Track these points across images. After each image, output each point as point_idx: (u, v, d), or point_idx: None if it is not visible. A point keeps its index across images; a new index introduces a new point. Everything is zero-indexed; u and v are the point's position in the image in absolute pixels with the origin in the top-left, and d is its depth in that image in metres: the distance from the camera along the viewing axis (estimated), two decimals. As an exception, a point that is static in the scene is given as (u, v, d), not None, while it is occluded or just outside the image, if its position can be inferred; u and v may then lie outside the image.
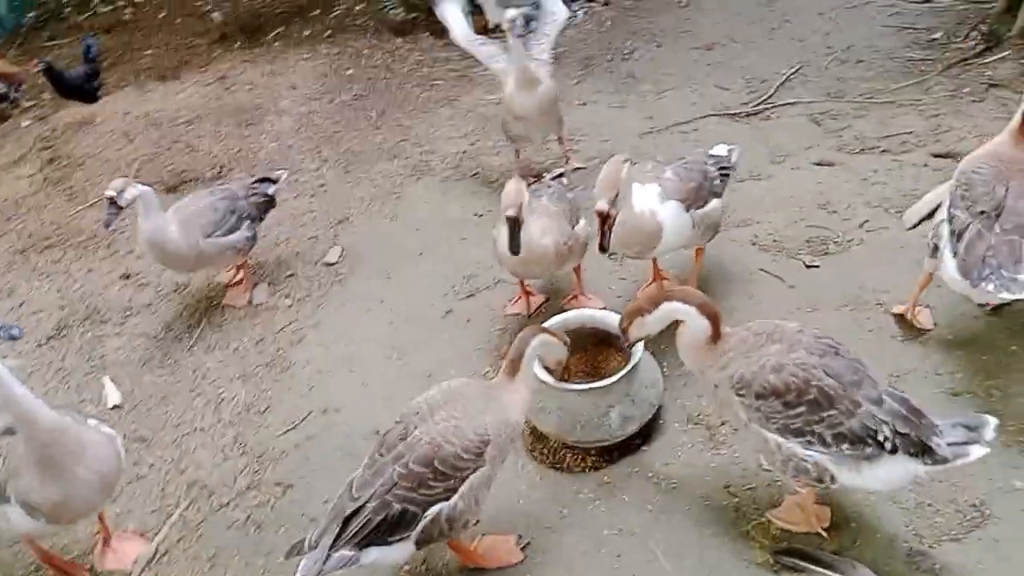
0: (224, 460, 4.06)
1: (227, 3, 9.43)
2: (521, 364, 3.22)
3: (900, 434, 2.89)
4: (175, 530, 3.76)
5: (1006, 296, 3.52)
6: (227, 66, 8.26)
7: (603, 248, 3.75)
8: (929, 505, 3.35)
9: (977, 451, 2.92)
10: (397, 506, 2.93)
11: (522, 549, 3.43)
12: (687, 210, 4.00)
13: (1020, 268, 3.54)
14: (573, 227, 4.26)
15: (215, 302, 5.13)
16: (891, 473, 2.97)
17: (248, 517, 3.74)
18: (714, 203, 4.17)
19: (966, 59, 6.24)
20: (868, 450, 2.92)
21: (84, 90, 7.59)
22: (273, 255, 5.48)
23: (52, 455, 3.10)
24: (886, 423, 2.90)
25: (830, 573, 3.12)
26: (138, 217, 4.56)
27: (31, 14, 9.84)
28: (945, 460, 2.90)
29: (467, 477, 3.02)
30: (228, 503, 3.83)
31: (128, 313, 5.18)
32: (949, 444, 2.92)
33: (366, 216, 5.77)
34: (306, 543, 2.96)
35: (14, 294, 5.51)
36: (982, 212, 3.70)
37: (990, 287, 3.53)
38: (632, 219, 3.85)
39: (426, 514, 2.98)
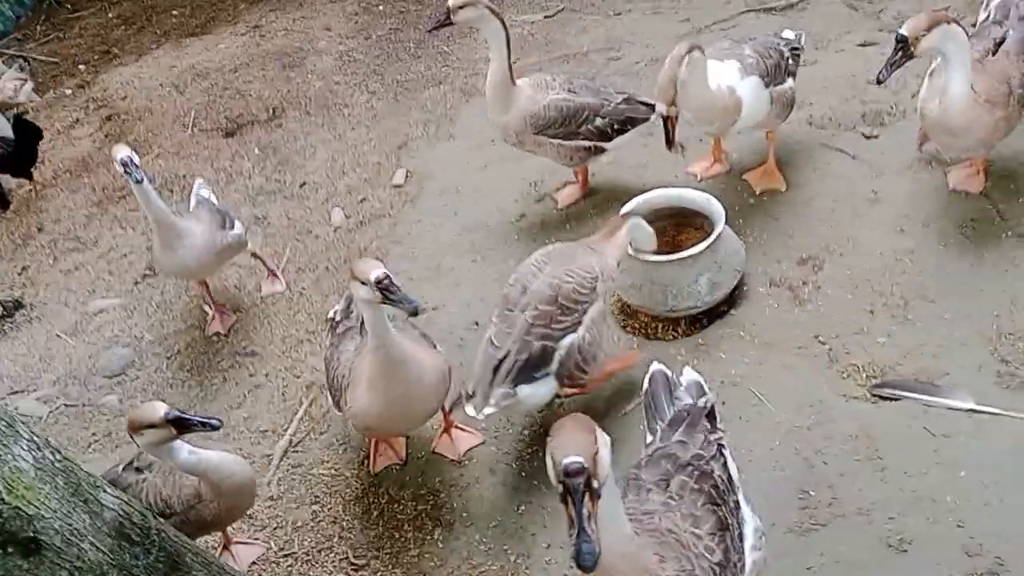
0: (335, 363, 4.32)
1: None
2: (621, 232, 3.63)
3: None
4: (303, 424, 4.05)
5: None
6: (256, 16, 8.35)
7: (669, 144, 3.95)
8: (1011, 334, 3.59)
9: None
10: (536, 344, 3.33)
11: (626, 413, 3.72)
12: (766, 87, 4.15)
13: None
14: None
15: (297, 228, 5.38)
16: None
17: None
18: (790, 81, 4.34)
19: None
20: None
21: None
22: (342, 183, 5.70)
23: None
24: None
25: (927, 397, 3.37)
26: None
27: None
28: None
29: (587, 310, 3.42)
30: (348, 396, 4.10)
31: (214, 247, 5.42)
32: None
33: (424, 139, 5.96)
34: (462, 395, 3.28)
35: (99, 243, 5.77)
36: None
37: None
38: (709, 96, 4.00)
39: (560, 345, 3.35)
